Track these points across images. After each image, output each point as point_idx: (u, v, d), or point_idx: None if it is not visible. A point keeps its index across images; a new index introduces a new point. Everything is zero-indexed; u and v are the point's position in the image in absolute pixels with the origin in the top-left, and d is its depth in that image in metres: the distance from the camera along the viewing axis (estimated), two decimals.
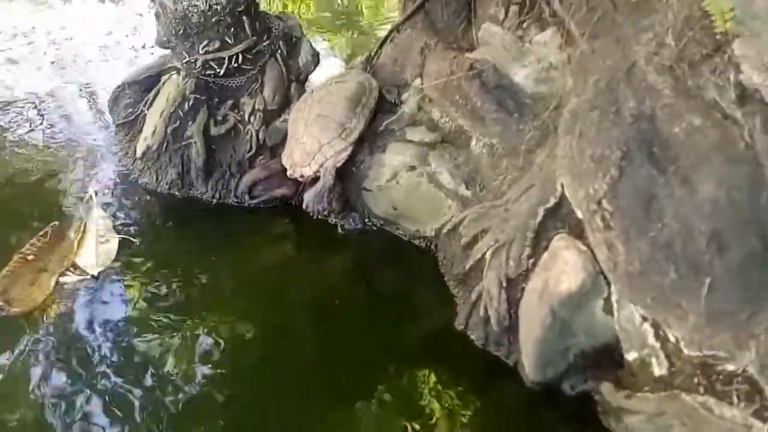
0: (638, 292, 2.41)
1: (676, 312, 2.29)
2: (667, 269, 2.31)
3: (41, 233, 3.53)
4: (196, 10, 3.62)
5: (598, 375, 2.72)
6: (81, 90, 5.09)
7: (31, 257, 3.42)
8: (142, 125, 3.94)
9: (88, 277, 3.40)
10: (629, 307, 2.52)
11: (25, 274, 3.35)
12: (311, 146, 3.64)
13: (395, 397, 2.94)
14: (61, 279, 3.37)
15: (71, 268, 3.42)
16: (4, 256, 3.42)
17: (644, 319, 2.46)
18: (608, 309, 2.66)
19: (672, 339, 2.34)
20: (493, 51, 3.54)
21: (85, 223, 3.62)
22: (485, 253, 3.12)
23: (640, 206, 2.42)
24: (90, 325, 3.21)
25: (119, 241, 3.58)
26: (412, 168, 3.63)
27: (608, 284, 2.65)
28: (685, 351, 2.29)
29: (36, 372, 2.95)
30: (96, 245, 3.50)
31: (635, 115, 2.55)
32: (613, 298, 2.63)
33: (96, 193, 3.82)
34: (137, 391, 2.90)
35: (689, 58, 2.43)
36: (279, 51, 3.96)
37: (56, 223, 3.63)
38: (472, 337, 3.06)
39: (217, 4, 3.61)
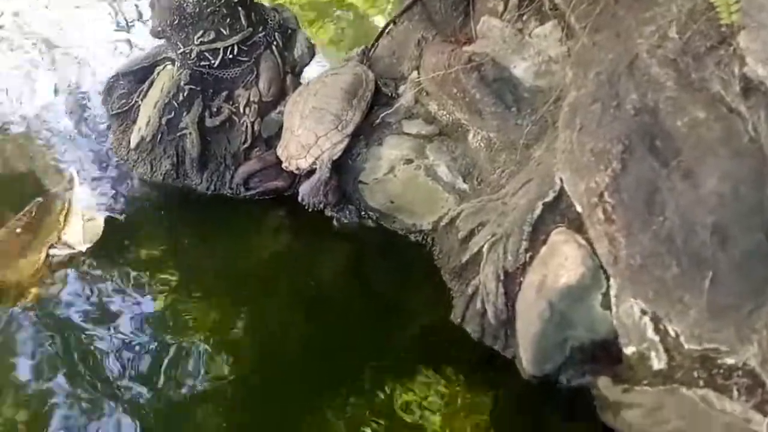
0: (639, 286, 2.40)
1: (677, 306, 2.28)
2: (669, 263, 2.30)
3: (27, 209, 3.54)
4: (191, 0, 3.56)
5: (595, 369, 2.72)
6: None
7: (18, 230, 3.44)
8: (136, 116, 3.88)
9: (76, 251, 3.41)
10: (629, 301, 2.51)
11: (13, 247, 3.38)
12: (307, 139, 3.60)
13: (389, 390, 2.94)
14: (50, 251, 3.39)
15: (59, 243, 3.43)
16: None
17: (644, 313, 2.45)
18: (606, 303, 2.65)
19: (672, 333, 2.34)
20: (492, 44, 3.50)
21: (70, 200, 3.60)
22: (482, 246, 3.11)
23: (642, 200, 2.41)
24: (73, 309, 3.20)
25: (107, 221, 3.58)
26: (409, 161, 3.60)
27: (607, 278, 2.64)
28: (686, 345, 2.29)
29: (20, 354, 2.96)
30: (82, 222, 3.50)
31: (637, 108, 2.54)
32: (612, 293, 2.62)
33: (78, 172, 3.78)
34: (119, 379, 2.89)
35: (693, 50, 2.41)
36: (275, 42, 3.91)
37: (40, 199, 3.61)
38: (469, 330, 3.05)
39: None
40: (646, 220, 2.38)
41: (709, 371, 2.27)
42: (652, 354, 2.44)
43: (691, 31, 2.41)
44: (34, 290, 3.26)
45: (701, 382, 2.28)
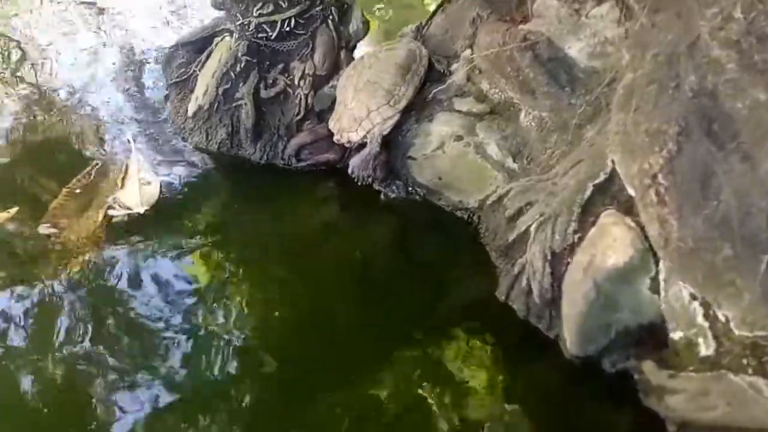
0: (689, 269, 2.38)
1: (728, 290, 2.25)
2: (721, 246, 2.27)
3: (86, 170, 3.73)
4: None
5: (640, 353, 2.70)
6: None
7: (78, 191, 3.62)
8: (194, 85, 3.99)
9: (134, 212, 3.53)
10: (678, 285, 2.49)
11: (73, 206, 3.54)
12: (359, 112, 3.64)
13: (433, 364, 2.98)
14: (109, 212, 3.53)
15: (117, 204, 3.56)
16: (53, 194, 3.62)
17: (693, 297, 2.43)
18: (655, 287, 2.63)
19: (722, 318, 2.31)
20: (547, 24, 3.47)
21: (127, 164, 3.74)
22: (530, 225, 3.11)
23: (697, 182, 2.38)
24: (125, 274, 3.31)
25: (162, 187, 3.69)
26: (459, 138, 3.62)
27: (656, 262, 2.62)
28: (736, 331, 2.26)
29: (65, 320, 3.06)
30: (138, 185, 3.61)
31: (695, 90, 2.49)
32: (661, 276, 2.60)
33: (134, 137, 3.92)
34: (166, 344, 2.98)
35: (757, 32, 2.36)
36: (330, 17, 3.96)
37: (99, 162, 3.80)
38: (514, 307, 3.07)
39: None
40: (700, 203, 2.35)
41: (759, 359, 2.23)
42: (700, 340, 2.42)
43: (756, 11, 2.35)
44: (88, 253, 3.38)
45: (750, 370, 2.25)
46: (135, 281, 3.28)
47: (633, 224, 2.71)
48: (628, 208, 2.78)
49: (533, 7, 3.63)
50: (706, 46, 2.53)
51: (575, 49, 3.38)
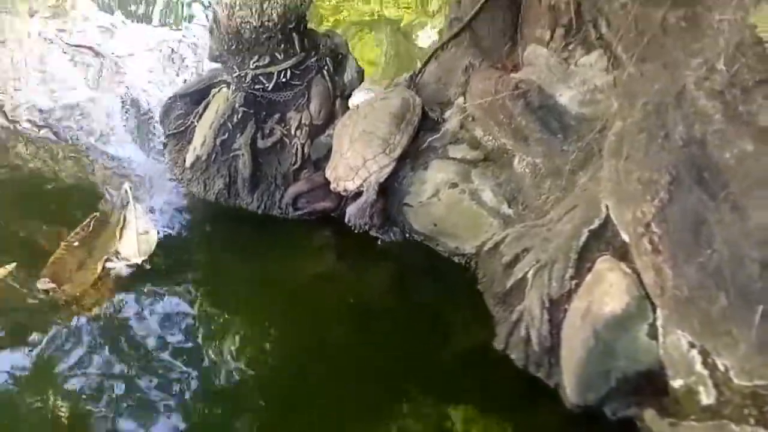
0: (686, 317, 2.39)
1: (725, 340, 2.26)
2: (716, 296, 2.29)
3: (84, 223, 3.71)
4: (248, 26, 3.71)
5: (641, 401, 2.69)
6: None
7: (76, 244, 3.60)
8: (192, 136, 4.04)
9: (132, 263, 3.54)
10: (675, 332, 2.50)
11: (72, 260, 3.52)
12: (355, 161, 3.69)
13: (430, 414, 2.95)
14: (107, 264, 3.53)
15: (115, 256, 3.57)
16: (51, 247, 3.59)
17: (692, 345, 2.43)
18: (653, 333, 2.64)
19: (721, 367, 2.31)
20: (538, 72, 3.56)
21: (124, 215, 3.76)
22: (527, 272, 3.13)
23: (690, 231, 2.41)
24: (123, 324, 3.28)
25: (161, 238, 3.71)
26: (454, 185, 3.66)
27: (653, 308, 2.63)
28: (735, 380, 2.26)
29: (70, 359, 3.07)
30: (136, 235, 3.63)
31: (685, 140, 2.55)
32: (659, 323, 2.61)
33: (131, 188, 3.93)
34: (164, 393, 2.95)
35: (741, 83, 2.42)
36: (326, 67, 4.03)
37: (97, 214, 3.79)
38: (512, 356, 3.07)
39: (269, 21, 3.69)
40: (694, 252, 2.38)
41: (760, 408, 2.23)
42: (701, 388, 2.42)
43: (739, 64, 2.41)
44: (87, 307, 3.36)
45: (752, 420, 2.25)
46: (134, 331, 3.25)
47: (629, 270, 2.74)
48: (623, 253, 2.80)
49: (524, 56, 3.73)
50: (693, 97, 2.59)
51: (566, 97, 3.46)
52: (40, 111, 4.83)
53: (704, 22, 2.76)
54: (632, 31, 3.11)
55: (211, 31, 3.95)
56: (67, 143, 4.54)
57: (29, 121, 4.74)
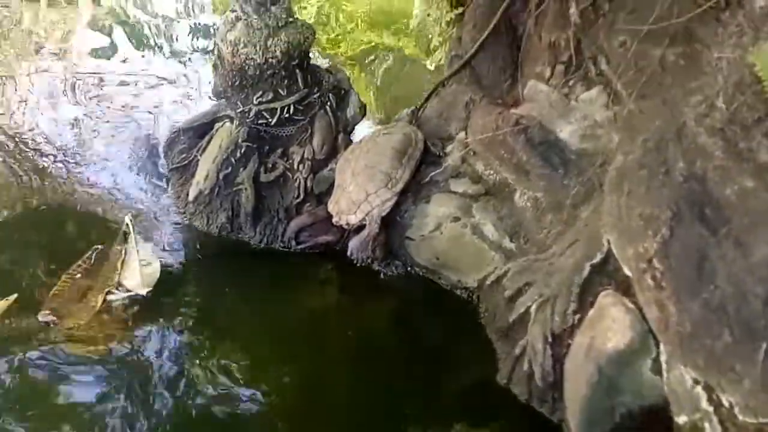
0: (690, 353, 2.38)
1: (729, 376, 2.25)
2: (720, 332, 2.28)
3: (86, 256, 3.74)
4: (252, 63, 3.78)
5: None
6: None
7: (78, 276, 3.62)
8: (195, 170, 4.08)
9: (135, 294, 3.55)
10: (679, 368, 2.48)
11: (73, 292, 3.54)
12: (357, 195, 3.72)
13: None
14: (109, 297, 3.54)
15: (117, 288, 3.59)
16: (52, 280, 3.61)
17: (696, 381, 2.41)
18: (657, 369, 2.62)
19: (726, 404, 2.29)
20: (538, 107, 3.61)
21: (126, 247, 3.80)
22: (530, 306, 3.13)
23: (692, 267, 2.41)
24: (125, 354, 3.28)
25: (163, 270, 3.72)
26: (456, 219, 3.68)
27: (657, 344, 2.62)
28: (740, 417, 2.24)
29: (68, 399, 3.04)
30: (139, 267, 3.65)
31: (686, 176, 2.56)
32: (662, 358, 2.60)
33: (132, 220, 3.97)
34: (163, 427, 2.93)
35: (741, 121, 2.45)
36: (328, 103, 4.10)
37: (99, 246, 3.81)
38: (515, 391, 3.05)
39: (272, 57, 3.76)
40: (697, 288, 2.38)
41: None
42: (706, 425, 2.39)
43: (738, 102, 2.44)
44: (91, 334, 3.36)
45: None
46: (135, 363, 3.25)
47: (631, 305, 2.73)
48: (625, 288, 2.80)
49: (524, 92, 3.78)
50: (693, 133, 2.62)
51: (566, 132, 3.50)
52: (44, 142, 4.89)
53: (703, 60, 2.81)
54: (632, 68, 3.16)
55: (215, 67, 4.02)
56: (70, 175, 4.58)
57: (35, 150, 4.80)
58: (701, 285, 2.38)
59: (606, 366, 2.70)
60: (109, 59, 6.42)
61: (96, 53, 6.49)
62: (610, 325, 2.74)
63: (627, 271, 2.76)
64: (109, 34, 7.03)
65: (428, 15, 4.86)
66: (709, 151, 2.54)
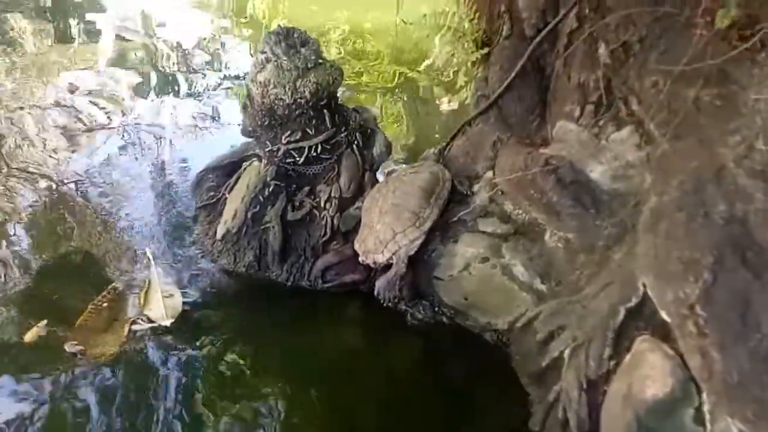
0: (737, 404, 2.29)
1: None
2: None
3: (111, 286, 3.81)
4: (281, 103, 3.81)
5: None
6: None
7: (104, 305, 3.68)
8: (223, 208, 4.08)
9: (159, 325, 3.58)
10: (725, 419, 2.38)
11: (99, 322, 3.59)
12: (385, 234, 3.69)
13: None
14: (134, 327, 3.57)
15: (142, 319, 3.63)
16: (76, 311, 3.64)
17: None
18: (700, 419, 2.51)
19: None
20: (568, 147, 3.57)
21: (149, 279, 3.85)
22: (563, 351, 3.05)
23: (736, 313, 2.34)
24: (150, 385, 3.30)
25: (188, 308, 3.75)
26: (485, 259, 3.63)
27: (699, 392, 2.52)
28: None
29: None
30: (162, 298, 3.70)
31: (726, 219, 2.51)
32: (706, 408, 2.49)
33: (153, 252, 4.03)
34: None
35: None
36: (355, 142, 4.11)
37: (124, 277, 3.92)
38: None
39: (301, 98, 3.79)
40: (742, 335, 2.30)
41: None
42: None
43: None
44: (117, 365, 3.38)
45: None
46: (159, 396, 3.25)
47: (671, 352, 2.64)
48: (663, 333, 2.71)
49: (553, 132, 3.76)
50: (732, 175, 2.57)
51: (597, 172, 3.45)
52: (71, 174, 4.96)
53: (739, 101, 2.76)
54: (664, 109, 3.12)
55: (244, 107, 4.06)
56: (98, 207, 4.65)
57: (61, 182, 4.86)
58: (747, 332, 2.30)
59: (645, 415, 2.60)
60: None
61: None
62: (649, 373, 2.65)
63: (665, 316, 2.68)
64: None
65: (452, 56, 4.88)
66: (749, 193, 2.49)
